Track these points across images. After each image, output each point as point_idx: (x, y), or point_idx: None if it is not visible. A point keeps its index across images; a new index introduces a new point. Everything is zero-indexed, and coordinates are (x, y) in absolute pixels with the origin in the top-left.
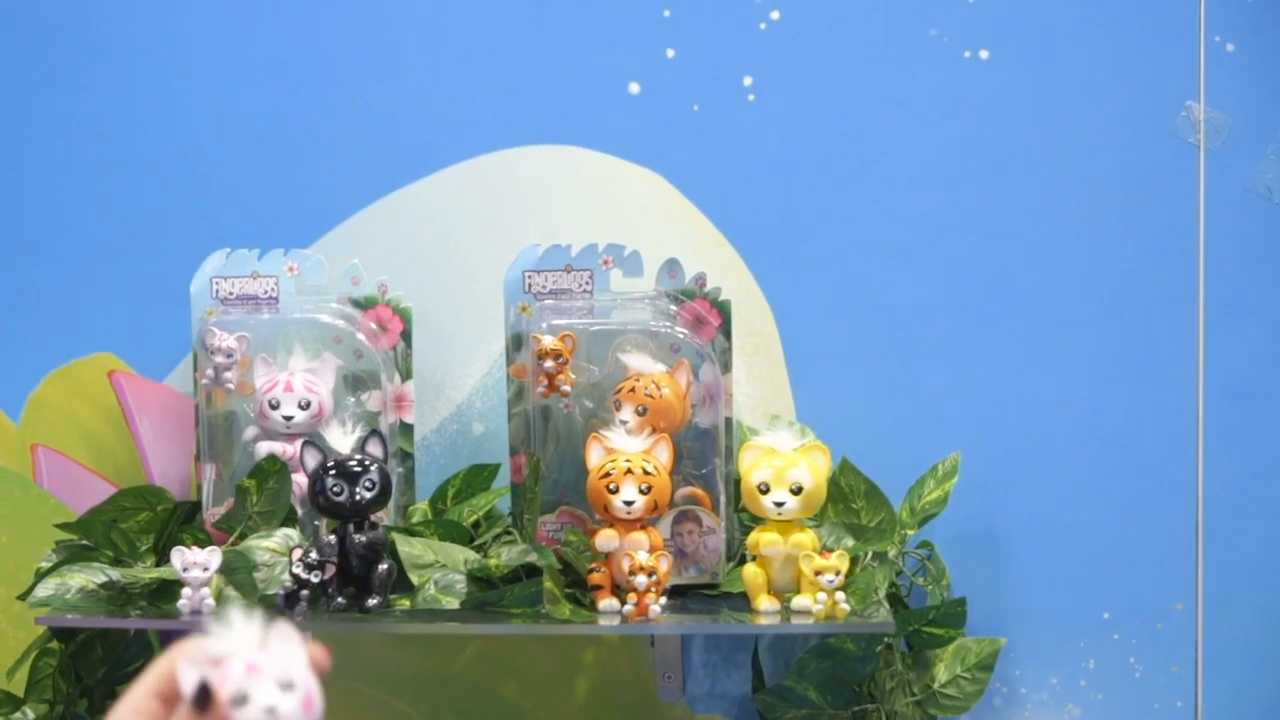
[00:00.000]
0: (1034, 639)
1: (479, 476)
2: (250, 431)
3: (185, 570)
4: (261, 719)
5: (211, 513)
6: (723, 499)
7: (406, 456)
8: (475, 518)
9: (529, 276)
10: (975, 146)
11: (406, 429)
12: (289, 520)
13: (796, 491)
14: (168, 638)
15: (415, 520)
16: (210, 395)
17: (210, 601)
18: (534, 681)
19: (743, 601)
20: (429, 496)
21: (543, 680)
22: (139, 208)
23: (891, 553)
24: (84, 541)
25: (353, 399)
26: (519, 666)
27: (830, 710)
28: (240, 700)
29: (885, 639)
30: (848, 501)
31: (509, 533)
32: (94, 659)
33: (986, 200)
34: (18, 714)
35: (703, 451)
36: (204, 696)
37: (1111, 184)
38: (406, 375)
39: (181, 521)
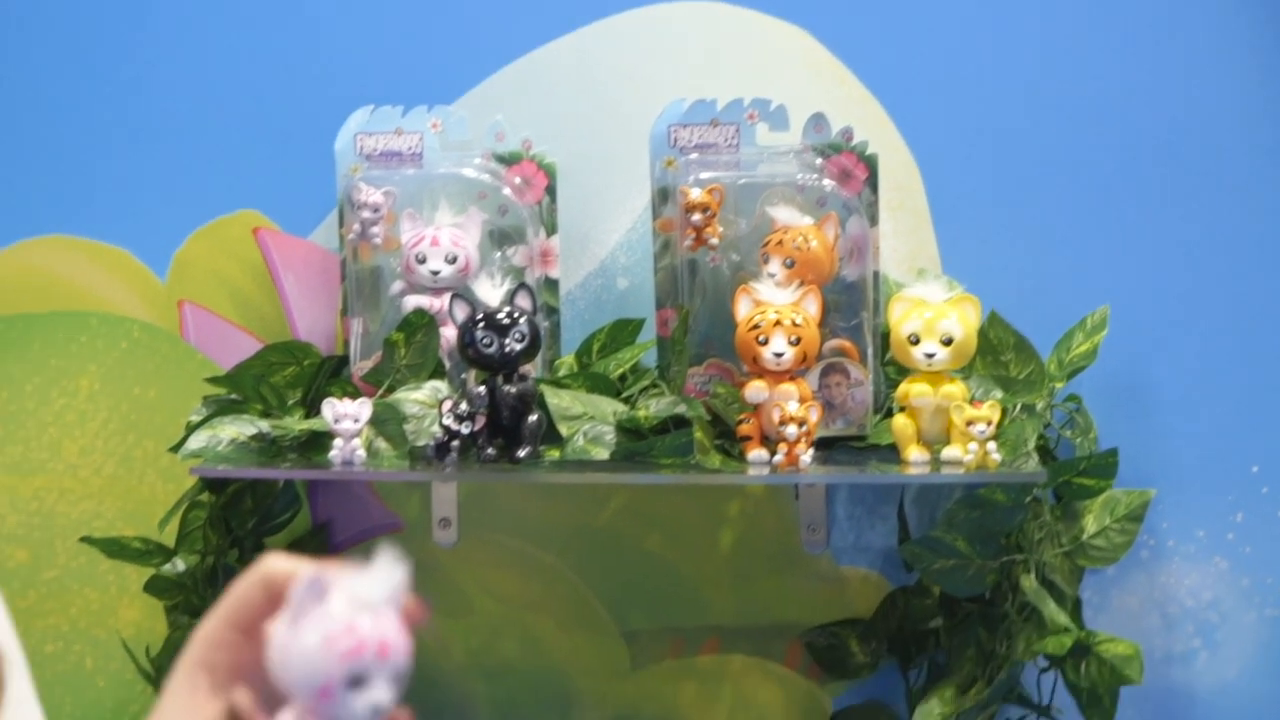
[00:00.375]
0: (1182, 492)
1: (623, 331)
2: (397, 286)
3: (336, 422)
4: (367, 714)
5: (359, 366)
6: (870, 352)
7: (552, 311)
8: (621, 371)
9: (674, 131)
10: (1121, 3)
11: (552, 284)
12: (437, 373)
13: (947, 343)
14: (315, 489)
15: (561, 374)
16: (356, 251)
17: (361, 453)
18: (678, 534)
19: (890, 454)
20: (574, 351)
21: (687, 533)
22: (283, 65)
23: (1039, 406)
24: (232, 395)
25: (498, 254)
26: (664, 519)
27: (978, 560)
28: (358, 680)
29: (1034, 490)
30: (996, 354)
31: (656, 385)
32: (243, 510)
33: (1137, 49)
34: (168, 565)
35: (850, 305)
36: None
37: (1265, 30)
38: (551, 230)
39: (329, 376)
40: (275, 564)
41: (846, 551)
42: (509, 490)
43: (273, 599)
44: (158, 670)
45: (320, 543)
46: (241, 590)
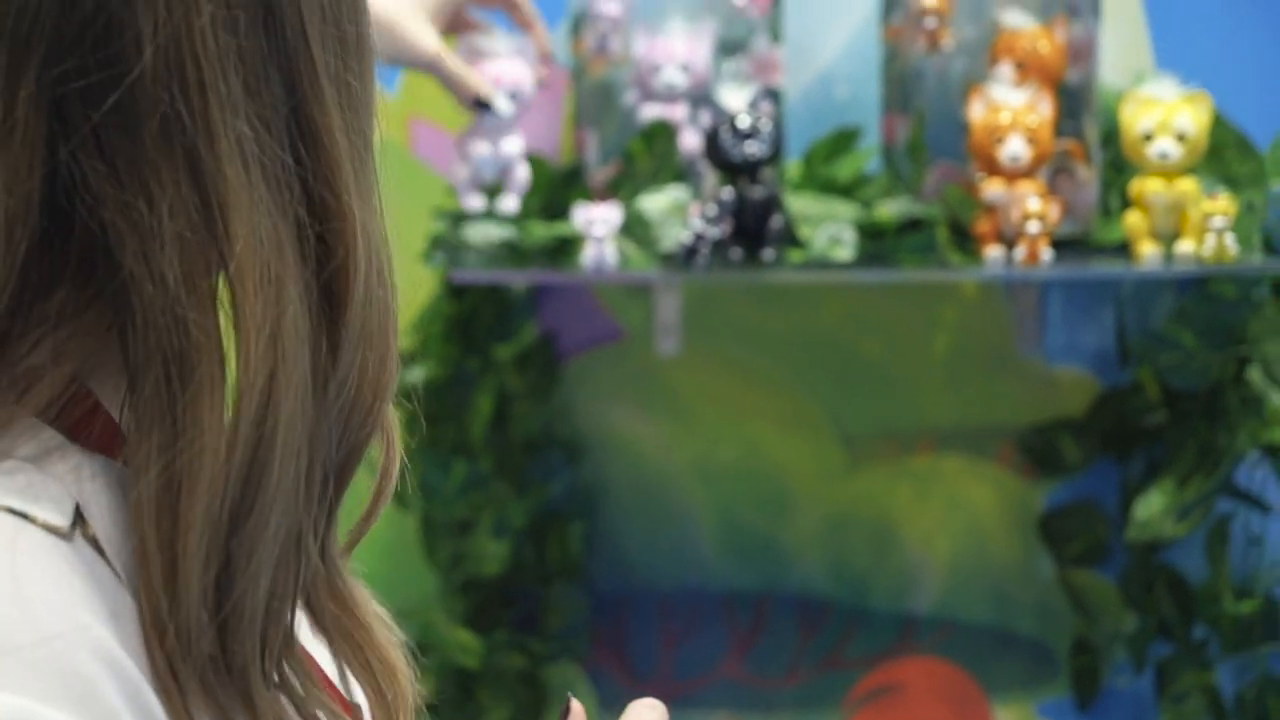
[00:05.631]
0: None
1: (845, 138)
2: (631, 96)
3: (588, 225)
4: None
5: (596, 175)
6: (1094, 153)
7: (776, 119)
8: (850, 177)
9: None
10: None
11: (776, 93)
12: (677, 181)
13: (1181, 139)
14: (543, 298)
15: (791, 180)
16: (587, 64)
17: (613, 257)
18: (894, 338)
19: (1115, 252)
20: (796, 159)
21: (903, 337)
22: None
23: (1258, 201)
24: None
25: (727, 63)
26: (880, 324)
27: (1203, 354)
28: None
29: (1260, 284)
30: (1218, 152)
31: (888, 189)
32: (482, 322)
33: None
34: (407, 374)
35: (1074, 107)
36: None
37: None
38: (777, 40)
39: (563, 186)
40: None
41: (1060, 352)
42: (729, 298)
43: None
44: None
45: (547, 351)
46: None
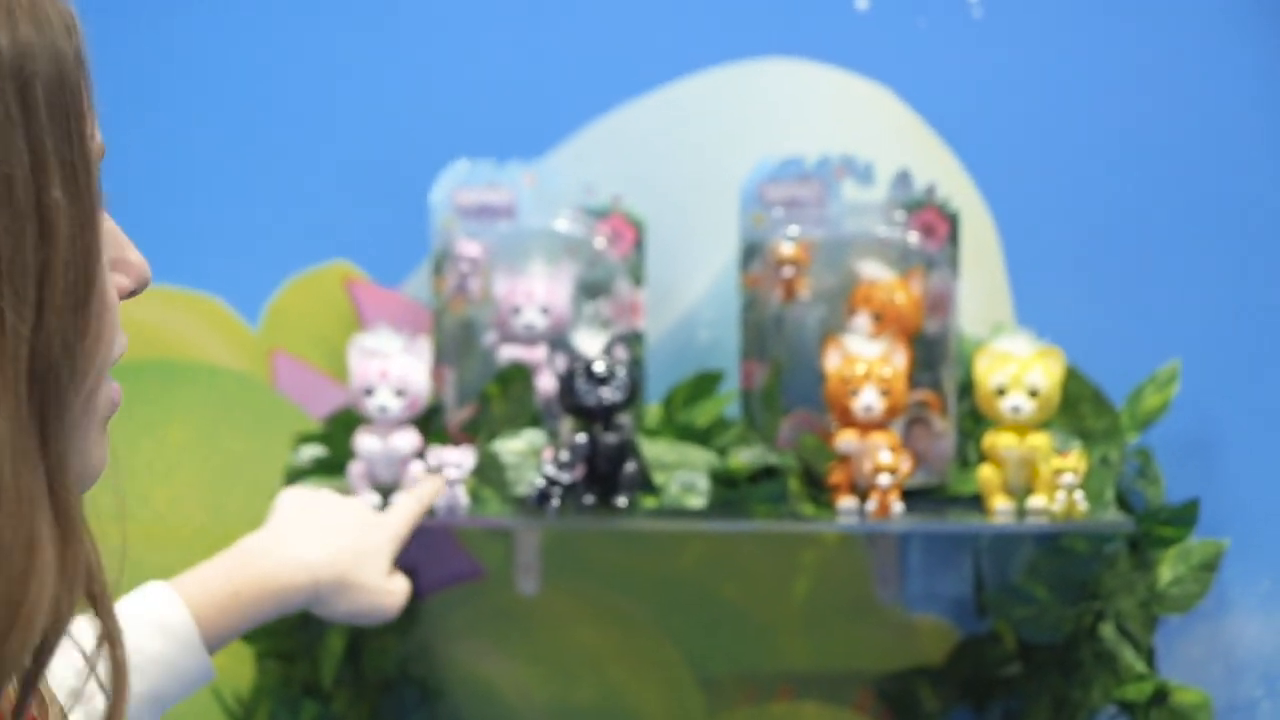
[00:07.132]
0: (1245, 544)
1: (706, 383)
2: (491, 337)
3: (441, 469)
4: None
5: (454, 416)
6: (951, 404)
7: (636, 363)
8: (708, 423)
9: (763, 187)
10: (1197, 58)
11: (638, 336)
12: (533, 423)
13: (1033, 395)
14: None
15: (650, 424)
16: (448, 303)
17: (465, 500)
18: (754, 582)
19: (969, 503)
20: (656, 402)
21: (763, 581)
22: (375, 118)
23: (1114, 457)
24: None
25: (587, 306)
26: (740, 568)
27: (1057, 608)
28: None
29: (1114, 539)
30: (1073, 406)
31: (744, 436)
32: None
33: (1212, 109)
34: None
35: (930, 357)
36: None
37: None
38: (639, 283)
39: (421, 426)
40: None
41: (918, 600)
42: (589, 539)
43: None
44: (248, 713)
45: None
46: None
